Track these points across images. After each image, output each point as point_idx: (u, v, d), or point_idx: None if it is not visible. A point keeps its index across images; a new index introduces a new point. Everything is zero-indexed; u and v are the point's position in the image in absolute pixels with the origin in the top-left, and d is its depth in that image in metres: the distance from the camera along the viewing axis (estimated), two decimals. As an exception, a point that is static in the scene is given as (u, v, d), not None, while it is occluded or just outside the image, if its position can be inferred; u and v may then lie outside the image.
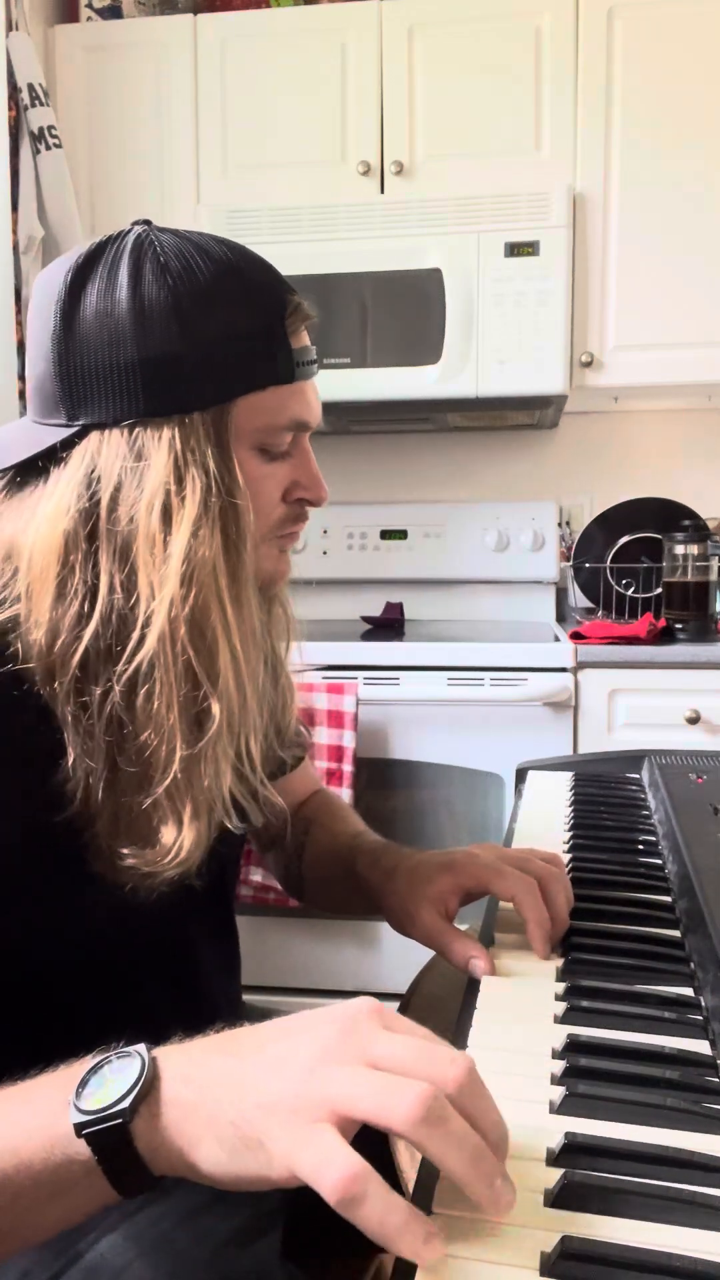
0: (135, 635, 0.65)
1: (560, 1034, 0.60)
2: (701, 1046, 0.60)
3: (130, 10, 2.44)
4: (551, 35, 2.17)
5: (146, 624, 0.65)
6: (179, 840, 0.66)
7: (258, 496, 0.71)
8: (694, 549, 2.15)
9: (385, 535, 2.52)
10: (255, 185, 2.27)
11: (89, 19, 2.42)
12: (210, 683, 0.66)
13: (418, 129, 2.23)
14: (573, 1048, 0.59)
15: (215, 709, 0.66)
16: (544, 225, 2.12)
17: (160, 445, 0.66)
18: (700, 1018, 0.63)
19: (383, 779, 2.05)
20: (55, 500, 0.67)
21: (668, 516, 2.35)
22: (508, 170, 2.19)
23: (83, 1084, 0.49)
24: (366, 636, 2.21)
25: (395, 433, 2.59)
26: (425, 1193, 0.46)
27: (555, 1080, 0.56)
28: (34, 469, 0.69)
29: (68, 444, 0.68)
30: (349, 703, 1.95)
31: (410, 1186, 0.52)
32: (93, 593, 0.66)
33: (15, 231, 2.13)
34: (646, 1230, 0.44)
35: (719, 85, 2.13)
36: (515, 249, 2.12)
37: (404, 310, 2.17)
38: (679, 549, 2.16)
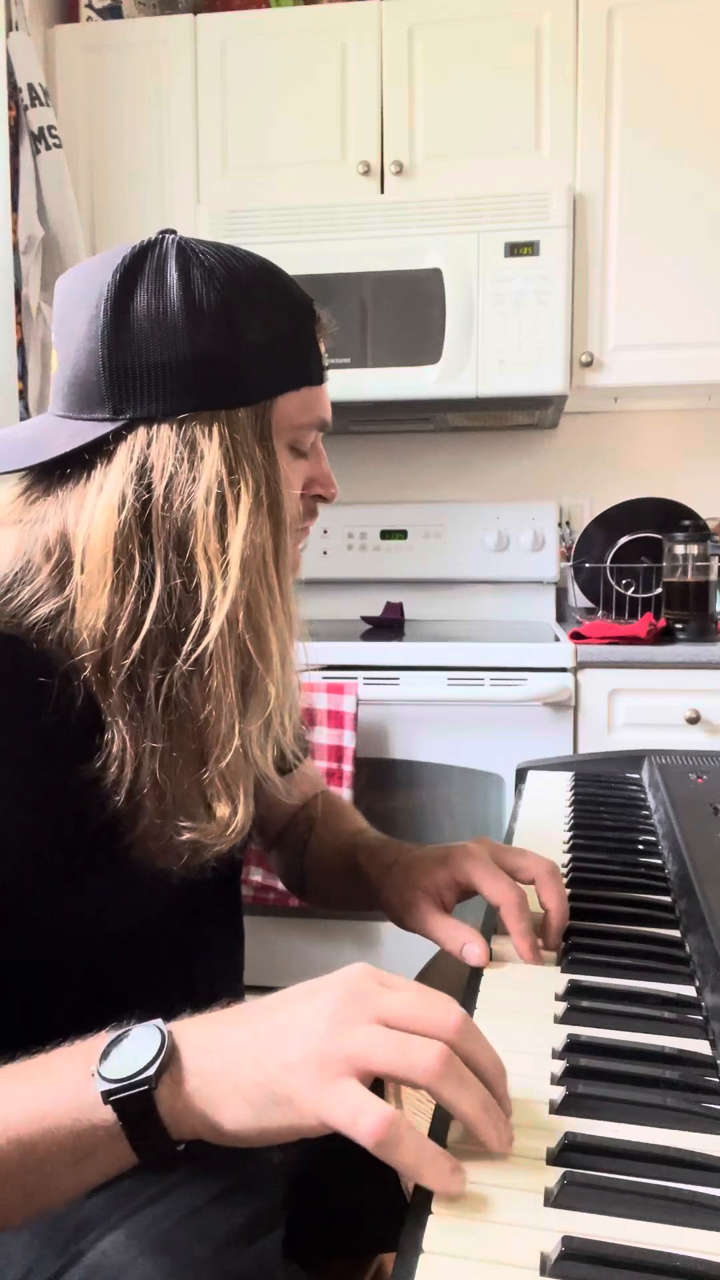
0: (199, 619, 0.67)
1: (560, 1034, 0.60)
2: (701, 1046, 0.60)
3: (130, 10, 2.44)
4: (551, 35, 2.17)
5: (210, 608, 0.67)
6: (235, 813, 0.70)
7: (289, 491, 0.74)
8: (694, 549, 2.15)
9: (385, 535, 2.52)
10: (255, 185, 2.27)
11: (89, 19, 2.42)
12: (263, 662, 0.70)
13: (418, 129, 2.23)
14: (573, 1048, 0.59)
15: (269, 687, 0.70)
16: (544, 225, 2.12)
17: (211, 438, 0.68)
18: (700, 1018, 0.63)
19: (383, 779, 2.05)
20: (107, 492, 0.68)
21: (668, 516, 2.35)
22: (508, 170, 2.19)
23: (104, 1055, 0.52)
24: (366, 636, 2.22)
25: (395, 433, 2.59)
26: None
27: (555, 1080, 0.56)
28: (76, 462, 0.70)
29: (116, 436, 0.69)
30: (349, 703, 1.95)
31: (410, 1185, 0.52)
32: (150, 581, 0.67)
33: (15, 231, 2.13)
34: (646, 1230, 0.44)
35: (719, 85, 2.13)
36: (515, 249, 2.12)
37: (404, 310, 2.17)
38: (679, 549, 2.16)
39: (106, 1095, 0.51)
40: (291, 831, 1.03)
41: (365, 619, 2.47)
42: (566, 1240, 0.42)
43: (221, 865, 0.77)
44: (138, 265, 0.69)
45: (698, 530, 2.20)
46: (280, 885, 1.91)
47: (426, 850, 0.85)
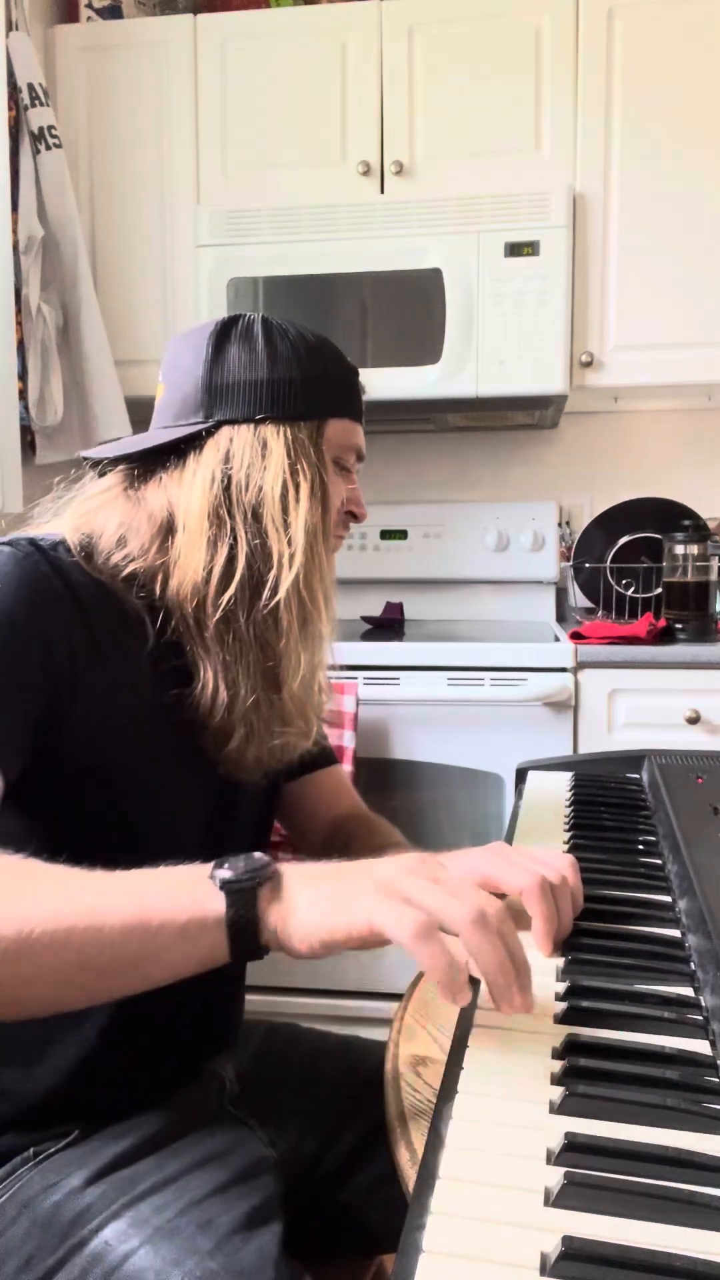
0: (274, 574, 0.87)
1: (560, 1034, 0.60)
2: (701, 1046, 0.60)
3: (130, 10, 2.44)
4: (551, 35, 2.17)
5: (281, 566, 0.87)
6: (310, 724, 0.92)
7: (332, 499, 0.93)
8: (694, 549, 2.15)
9: (385, 535, 2.52)
10: (255, 185, 2.27)
11: (89, 19, 2.42)
12: (318, 611, 0.89)
13: (418, 129, 2.23)
14: (573, 1048, 0.59)
15: (324, 629, 0.91)
16: (544, 225, 2.12)
17: (279, 439, 0.89)
18: (700, 1018, 0.63)
19: (383, 779, 2.05)
20: (201, 474, 0.88)
21: (668, 516, 2.35)
22: (508, 170, 2.19)
23: (218, 864, 0.64)
24: (366, 636, 2.22)
25: (395, 433, 2.59)
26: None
27: (555, 1080, 0.56)
28: (176, 454, 0.90)
29: (207, 433, 0.89)
30: (349, 703, 1.95)
31: (410, 1186, 0.52)
32: (235, 541, 0.87)
33: (15, 231, 2.13)
34: (646, 1230, 0.44)
35: (719, 85, 2.13)
36: (515, 249, 2.12)
37: (404, 310, 2.17)
38: (679, 549, 2.16)
39: (224, 884, 0.62)
40: (332, 844, 1.06)
41: (365, 619, 2.47)
42: (566, 1240, 0.42)
43: (244, 822, 0.97)
44: (232, 321, 0.92)
45: (698, 530, 2.20)
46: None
47: (449, 856, 0.86)
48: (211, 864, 0.65)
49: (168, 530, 0.89)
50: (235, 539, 0.87)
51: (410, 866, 0.64)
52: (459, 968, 0.57)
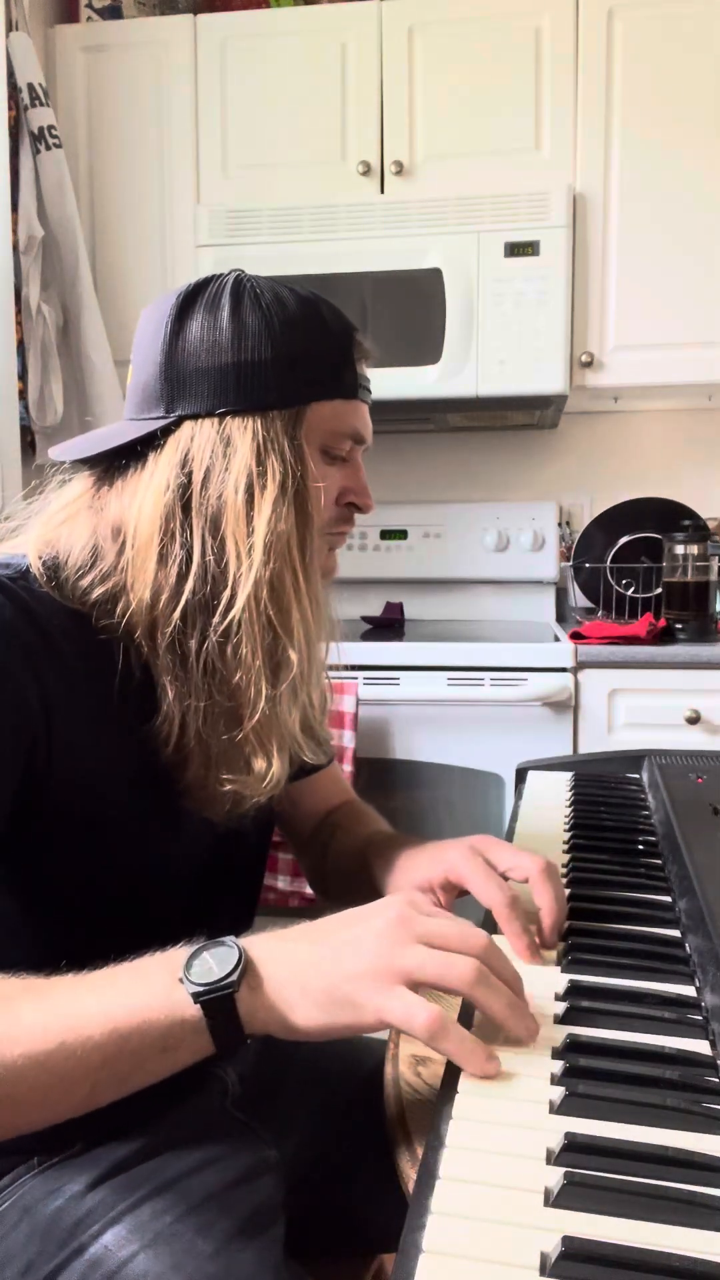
0: (226, 594, 0.76)
1: (560, 1034, 0.60)
2: (701, 1046, 0.60)
3: (130, 10, 2.44)
4: (551, 35, 2.17)
5: (236, 585, 0.76)
6: (270, 768, 0.79)
7: (318, 493, 0.81)
8: (694, 549, 2.15)
9: (385, 535, 2.52)
10: (255, 185, 2.27)
11: (89, 19, 2.42)
12: (287, 636, 0.78)
13: (418, 129, 2.23)
14: (573, 1048, 0.59)
15: (292, 658, 0.78)
16: (544, 225, 2.12)
17: (245, 434, 0.77)
18: (700, 1018, 0.63)
19: (383, 779, 2.05)
20: (156, 479, 0.78)
21: (668, 516, 2.35)
22: (508, 170, 2.19)
23: (187, 966, 0.61)
24: (366, 636, 2.22)
25: (395, 433, 2.59)
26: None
27: (555, 1080, 0.56)
28: (133, 455, 0.80)
29: (166, 431, 0.79)
30: (349, 703, 1.95)
31: (410, 1186, 0.52)
32: (189, 557, 0.77)
33: (15, 231, 2.13)
34: (646, 1230, 0.44)
35: (719, 85, 2.13)
36: (515, 249, 2.12)
37: (404, 310, 2.17)
38: (679, 549, 2.16)
39: (196, 996, 0.60)
40: (318, 834, 1.05)
41: (365, 619, 2.47)
42: (566, 1240, 0.42)
43: (246, 840, 0.91)
44: (198, 290, 0.80)
45: (698, 530, 2.20)
46: (279, 885, 1.92)
47: (425, 847, 0.86)
48: (185, 956, 0.62)
49: (123, 543, 0.79)
50: (189, 552, 0.77)
51: (394, 935, 0.61)
52: (484, 1050, 0.57)
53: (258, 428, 0.77)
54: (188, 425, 0.78)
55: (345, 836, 1.01)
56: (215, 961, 0.61)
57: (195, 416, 0.78)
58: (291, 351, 0.78)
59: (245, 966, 0.61)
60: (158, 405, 0.79)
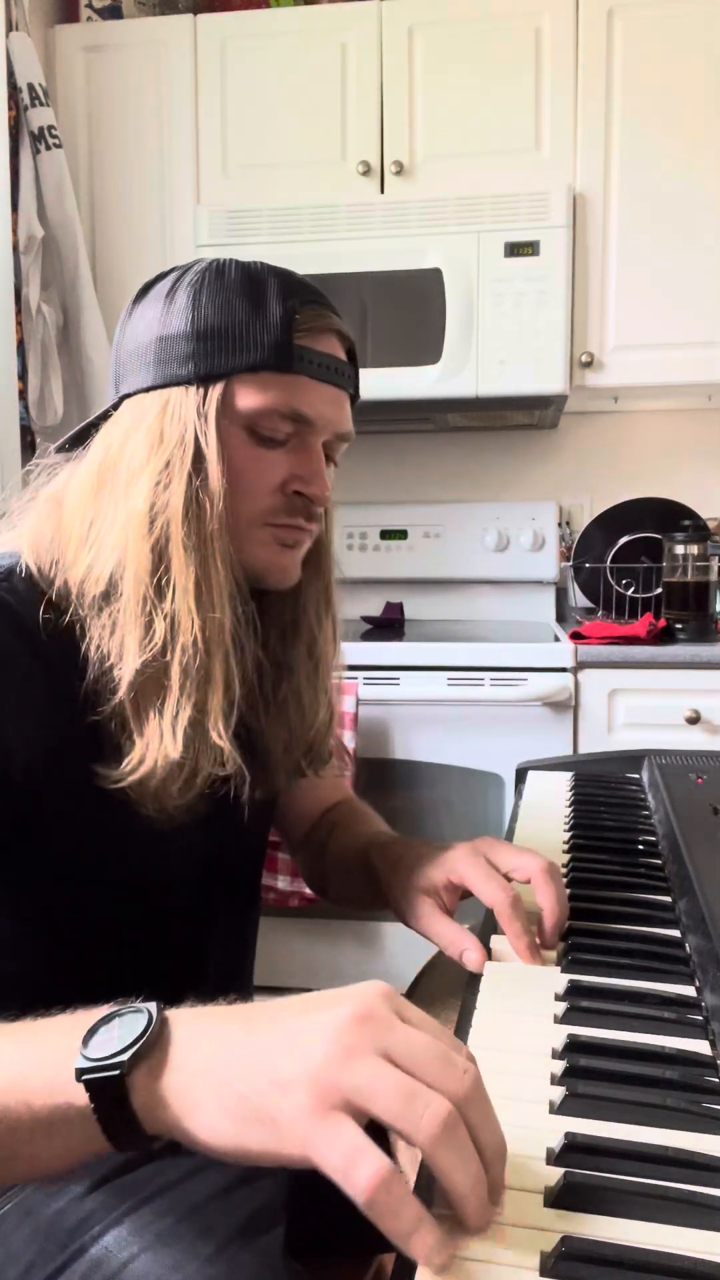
0: (103, 559, 0.74)
1: (560, 1034, 0.60)
2: (701, 1046, 0.60)
3: (130, 10, 2.44)
4: (551, 35, 2.17)
5: (112, 549, 0.74)
6: (140, 757, 0.73)
7: (244, 476, 0.77)
8: (694, 549, 2.15)
9: (385, 535, 2.52)
10: (255, 185, 2.27)
11: (89, 19, 2.42)
12: (161, 616, 0.73)
13: (418, 129, 2.23)
14: (573, 1048, 0.59)
15: (163, 637, 0.73)
16: (544, 225, 2.12)
17: (154, 408, 0.76)
18: (700, 1018, 0.63)
19: (383, 779, 2.05)
20: (87, 460, 0.80)
21: (668, 516, 2.35)
22: (508, 170, 2.19)
23: (92, 1031, 0.50)
24: (366, 636, 2.22)
25: (395, 433, 2.59)
26: (426, 1190, 0.46)
27: (555, 1080, 0.56)
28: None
29: (105, 415, 0.81)
30: (349, 703, 1.95)
31: (410, 1186, 0.52)
32: (95, 530, 0.76)
33: (15, 231, 2.13)
34: (646, 1230, 0.44)
35: (719, 85, 2.13)
36: (515, 249, 2.12)
37: (404, 310, 2.17)
38: (679, 549, 2.16)
39: (79, 1073, 0.48)
40: (315, 834, 1.05)
41: (365, 619, 2.47)
42: (566, 1240, 0.42)
43: (244, 842, 0.88)
44: (162, 276, 0.80)
45: (698, 530, 2.20)
46: (279, 884, 1.91)
47: (429, 849, 0.86)
48: (96, 1018, 0.51)
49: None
50: (98, 526, 0.76)
51: (351, 1037, 0.45)
52: (437, 1239, 0.42)
53: (169, 401, 0.76)
54: (125, 405, 0.79)
55: (345, 835, 1.00)
56: (121, 1031, 0.50)
57: (130, 395, 0.79)
58: (210, 323, 0.76)
59: (151, 1043, 0.49)
60: (113, 391, 0.82)
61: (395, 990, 0.50)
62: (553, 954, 0.74)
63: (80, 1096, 0.49)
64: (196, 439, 0.75)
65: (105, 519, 0.76)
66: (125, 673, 0.73)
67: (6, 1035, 0.54)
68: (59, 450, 0.86)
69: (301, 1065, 0.45)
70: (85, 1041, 0.50)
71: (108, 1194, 0.73)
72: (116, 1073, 0.48)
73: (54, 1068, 0.50)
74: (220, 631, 0.75)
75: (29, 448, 2.22)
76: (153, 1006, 0.51)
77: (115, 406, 0.80)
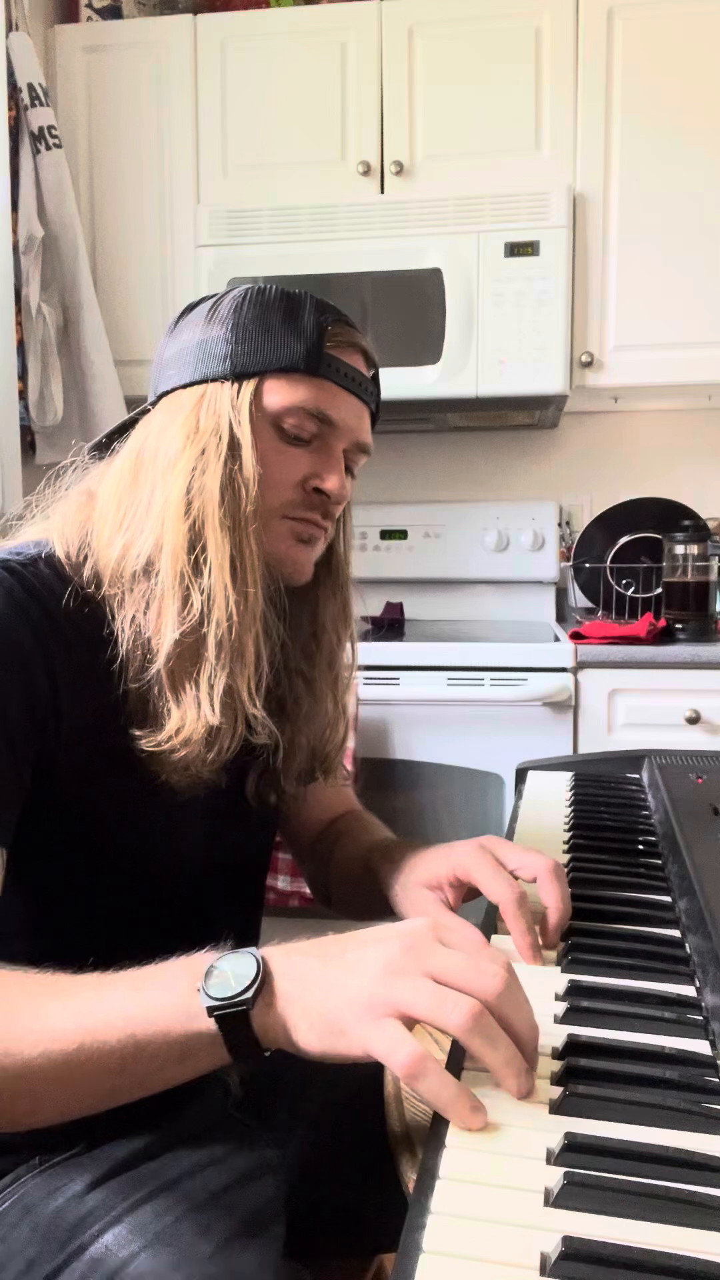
0: (141, 540, 0.79)
1: (560, 1034, 0.60)
2: (701, 1046, 0.60)
3: (130, 10, 2.44)
4: (551, 35, 2.17)
5: (150, 530, 0.79)
6: (178, 722, 0.78)
7: (270, 467, 0.82)
8: (694, 549, 2.15)
9: (385, 535, 2.52)
10: (255, 185, 2.27)
11: (89, 19, 2.42)
12: (199, 592, 0.78)
13: (418, 129, 2.23)
14: (573, 1048, 0.59)
15: (199, 610, 0.78)
16: (544, 225, 2.12)
17: (190, 403, 0.81)
18: (700, 1018, 0.63)
19: (383, 779, 2.05)
20: (124, 452, 0.85)
21: (668, 516, 2.35)
22: (508, 170, 2.19)
23: (207, 975, 0.61)
24: (366, 636, 2.22)
25: (395, 433, 2.59)
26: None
27: (555, 1080, 0.56)
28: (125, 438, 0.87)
29: (144, 412, 0.86)
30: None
31: (410, 1186, 0.52)
32: (131, 515, 0.80)
33: (15, 231, 2.13)
34: (646, 1230, 0.44)
35: (719, 85, 2.13)
36: (515, 249, 2.12)
37: (404, 310, 2.17)
38: (679, 549, 2.16)
39: (211, 1010, 0.59)
40: (321, 844, 1.05)
41: (365, 619, 2.47)
42: (566, 1240, 0.42)
43: (250, 844, 0.93)
44: (204, 299, 0.86)
45: (698, 530, 2.20)
46: (279, 884, 1.91)
47: (432, 848, 0.87)
48: (206, 964, 0.62)
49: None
50: (138, 517, 0.81)
51: (400, 964, 0.58)
52: (468, 1100, 0.53)
53: (205, 394, 0.81)
54: (161, 402, 0.84)
55: (350, 844, 1.01)
56: (233, 975, 0.61)
57: (167, 393, 0.84)
58: (249, 328, 0.82)
59: (262, 982, 0.61)
60: (151, 394, 0.86)
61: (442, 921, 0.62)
62: (552, 954, 0.74)
63: (210, 1027, 0.60)
64: (231, 427, 0.80)
65: (141, 503, 0.80)
66: (164, 644, 0.77)
67: (121, 982, 0.63)
68: (93, 449, 0.91)
69: (363, 988, 0.58)
70: (205, 983, 0.60)
71: (108, 1192, 0.73)
72: (244, 1008, 0.59)
73: (183, 1006, 0.61)
74: (254, 607, 0.80)
75: (29, 448, 2.22)
76: (255, 951, 0.63)
77: (153, 404, 0.85)
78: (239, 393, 0.81)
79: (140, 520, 0.80)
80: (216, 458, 0.79)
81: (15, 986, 0.64)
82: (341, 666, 0.94)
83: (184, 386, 0.82)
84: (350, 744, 1.93)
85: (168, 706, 0.78)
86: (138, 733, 0.78)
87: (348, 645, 0.95)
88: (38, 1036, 0.61)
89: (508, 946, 0.74)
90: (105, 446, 0.90)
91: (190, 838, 0.86)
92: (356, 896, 0.98)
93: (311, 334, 0.82)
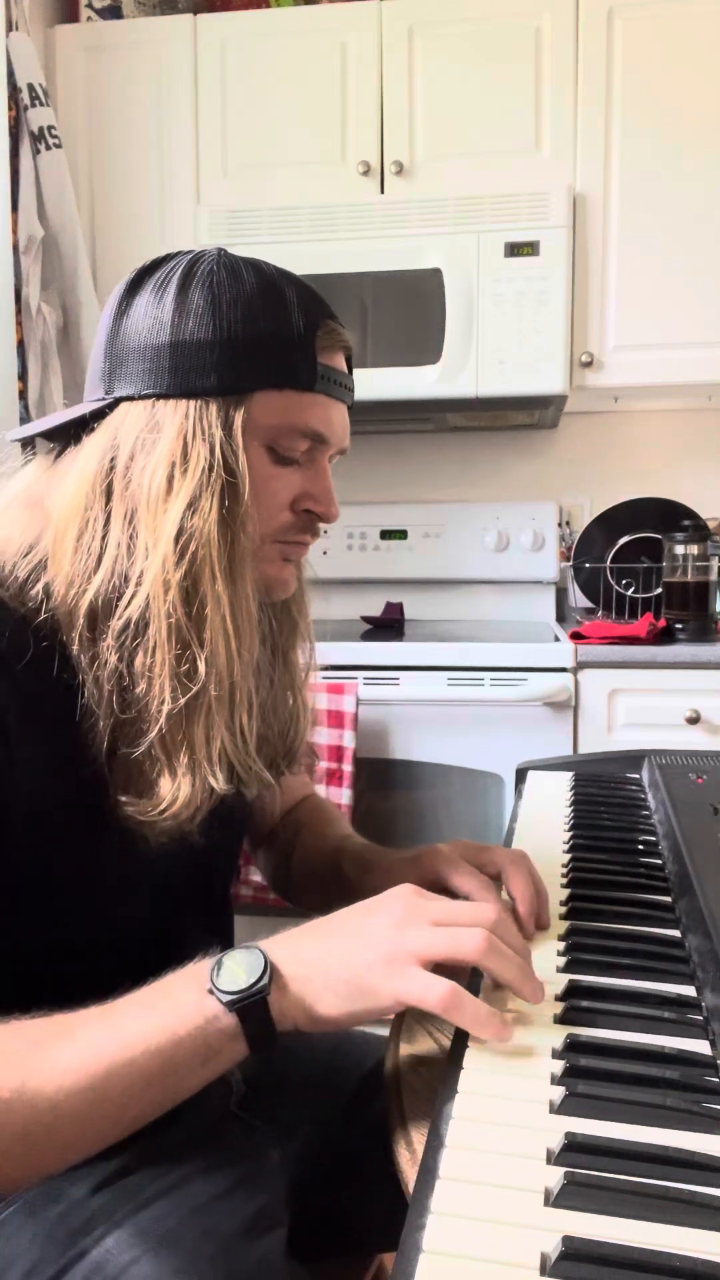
0: (130, 590, 0.71)
1: (560, 1034, 0.60)
2: (701, 1046, 0.60)
3: (130, 10, 2.44)
4: (551, 35, 2.17)
5: (139, 581, 0.71)
6: (173, 792, 0.72)
7: (262, 493, 0.75)
8: (694, 549, 2.15)
9: (385, 535, 2.52)
10: (255, 185, 2.27)
11: (89, 19, 2.42)
12: (199, 647, 0.71)
13: (418, 129, 2.23)
14: (573, 1048, 0.59)
15: (203, 671, 0.71)
16: (544, 225, 2.12)
17: (174, 419, 0.72)
18: (700, 1018, 0.63)
19: (383, 779, 2.05)
20: (82, 462, 0.74)
21: (668, 516, 2.35)
22: (508, 170, 2.19)
23: (214, 975, 0.63)
24: (366, 636, 2.21)
25: (395, 433, 2.59)
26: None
27: (555, 1080, 0.56)
28: (75, 440, 0.77)
29: (99, 414, 0.75)
30: (349, 703, 1.95)
31: (410, 1186, 0.52)
32: (102, 548, 0.72)
33: (15, 231, 2.13)
34: (646, 1230, 0.44)
35: (719, 85, 2.13)
36: (515, 249, 2.12)
37: (404, 310, 2.17)
38: (679, 549, 2.16)
39: (231, 1005, 0.62)
40: (280, 834, 1.04)
41: (365, 619, 2.47)
42: (566, 1240, 0.42)
43: (221, 848, 0.88)
44: (155, 266, 0.76)
45: (698, 530, 2.20)
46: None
47: (400, 853, 0.88)
48: (207, 968, 0.63)
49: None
50: (104, 542, 0.72)
51: (404, 920, 0.64)
52: (499, 1017, 0.59)
53: (189, 412, 0.72)
54: (123, 407, 0.74)
55: (312, 838, 1.00)
56: (242, 968, 0.63)
57: (130, 398, 0.74)
58: (236, 333, 0.72)
59: (272, 969, 0.63)
60: (100, 385, 0.76)
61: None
62: (549, 946, 0.74)
63: (230, 1023, 0.62)
64: (225, 457, 0.72)
65: (121, 540, 0.72)
66: (158, 706, 0.71)
67: (127, 1006, 0.64)
68: (17, 440, 0.81)
69: (377, 948, 0.62)
70: (215, 981, 0.62)
71: (110, 1196, 0.73)
72: (263, 995, 0.62)
73: (196, 1009, 0.62)
74: (251, 655, 0.75)
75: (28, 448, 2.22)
76: (257, 944, 0.64)
77: (111, 407, 0.75)
78: (230, 415, 0.73)
79: (121, 562, 0.72)
80: (211, 495, 0.71)
81: (16, 1037, 0.63)
82: (298, 657, 0.90)
83: (159, 397, 0.73)
84: (350, 744, 1.94)
85: (159, 772, 0.73)
86: (123, 799, 0.73)
87: (305, 634, 0.90)
88: (61, 1078, 0.61)
89: None
90: (29, 443, 0.81)
91: (161, 869, 0.80)
92: (319, 892, 0.97)
93: (304, 341, 0.75)
